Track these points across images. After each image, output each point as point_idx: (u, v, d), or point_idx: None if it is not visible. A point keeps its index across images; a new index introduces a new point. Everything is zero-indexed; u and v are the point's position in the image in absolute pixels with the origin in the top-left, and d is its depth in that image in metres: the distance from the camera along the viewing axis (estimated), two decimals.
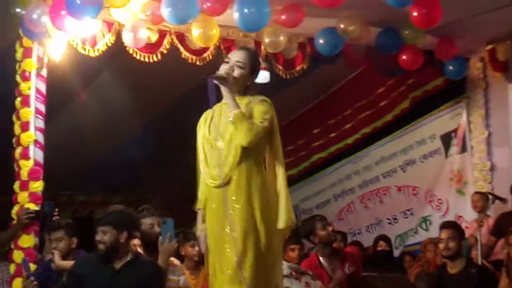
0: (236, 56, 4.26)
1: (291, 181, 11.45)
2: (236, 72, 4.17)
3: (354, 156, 10.22)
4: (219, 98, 4.30)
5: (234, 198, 4.04)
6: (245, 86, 4.26)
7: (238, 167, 4.05)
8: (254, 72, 4.31)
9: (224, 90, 4.11)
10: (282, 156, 4.26)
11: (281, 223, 4.10)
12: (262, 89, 7.40)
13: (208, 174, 4.14)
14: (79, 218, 9.64)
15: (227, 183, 4.06)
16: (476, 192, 7.70)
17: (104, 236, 4.76)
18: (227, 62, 4.22)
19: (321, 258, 6.29)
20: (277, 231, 4.13)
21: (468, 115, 8.30)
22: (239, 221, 4.00)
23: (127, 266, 4.74)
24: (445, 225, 6.20)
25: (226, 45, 6.85)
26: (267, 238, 4.02)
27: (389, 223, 9.52)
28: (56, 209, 6.04)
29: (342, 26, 6.69)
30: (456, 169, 8.41)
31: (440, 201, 8.63)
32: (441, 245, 6.03)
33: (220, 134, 4.13)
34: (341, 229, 9.22)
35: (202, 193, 4.22)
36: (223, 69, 4.15)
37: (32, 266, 5.69)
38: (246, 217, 4.01)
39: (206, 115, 4.32)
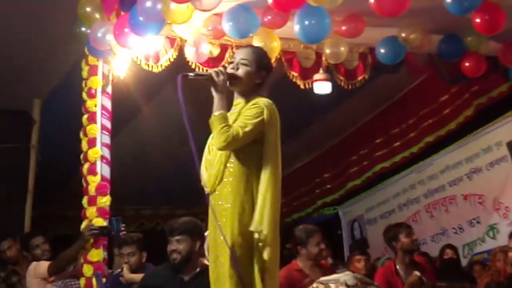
0: (240, 54, 4.12)
1: (355, 191, 11.44)
2: (241, 70, 4.02)
3: (418, 165, 10.11)
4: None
5: (220, 205, 3.86)
6: (254, 84, 4.07)
7: (224, 174, 3.89)
8: (262, 69, 4.10)
9: (212, 91, 3.94)
10: (273, 162, 3.90)
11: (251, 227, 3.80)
12: (325, 100, 7.49)
13: (202, 179, 4.06)
14: (145, 232, 9.74)
15: (214, 190, 3.91)
16: None
17: (179, 245, 4.81)
18: (232, 62, 4.09)
19: (398, 266, 6.26)
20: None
21: None
22: (227, 231, 3.79)
23: (196, 277, 4.78)
24: None
25: (287, 57, 6.88)
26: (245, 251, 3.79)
27: (455, 233, 9.38)
28: (123, 225, 6.13)
29: (403, 34, 6.65)
30: None
31: (507, 209, 8.46)
32: (511, 254, 5.94)
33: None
34: None
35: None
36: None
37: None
38: (232, 228, 3.79)
39: None
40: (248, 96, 4.05)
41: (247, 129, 3.81)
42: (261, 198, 3.80)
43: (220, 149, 3.85)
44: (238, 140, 3.80)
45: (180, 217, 5.67)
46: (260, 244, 3.76)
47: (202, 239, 5.00)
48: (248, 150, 3.89)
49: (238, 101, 4.10)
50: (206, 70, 5.60)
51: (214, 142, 3.88)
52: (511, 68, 7.53)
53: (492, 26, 6.03)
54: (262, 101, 3.95)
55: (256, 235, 3.76)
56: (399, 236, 6.27)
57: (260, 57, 4.14)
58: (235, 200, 3.83)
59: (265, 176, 3.85)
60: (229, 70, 4.01)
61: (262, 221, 3.74)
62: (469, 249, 9.03)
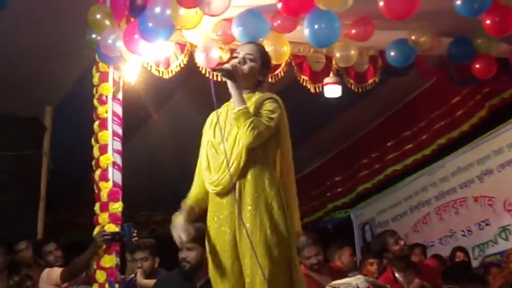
0: (246, 49, 4.03)
1: (366, 194, 11.43)
2: (247, 66, 3.92)
3: (430, 167, 10.11)
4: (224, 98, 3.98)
5: (245, 205, 3.72)
6: (257, 81, 3.99)
7: (243, 171, 3.74)
8: (265, 65, 4.06)
9: (230, 85, 3.79)
10: (291, 160, 3.91)
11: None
12: (335, 104, 7.49)
13: (209, 180, 3.89)
14: (157, 237, 9.76)
15: (232, 189, 3.72)
16: None
17: (189, 253, 4.81)
18: (236, 57, 3.97)
19: (396, 274, 6.22)
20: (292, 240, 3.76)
21: None
22: (252, 231, 3.65)
23: (208, 283, 4.78)
24: None
25: (297, 61, 6.87)
26: (281, 249, 3.66)
27: (463, 235, 9.38)
28: (135, 230, 6.14)
29: (413, 37, 6.63)
30: None
31: None
32: None
33: (225, 137, 3.85)
34: (417, 241, 9.15)
35: (193, 197, 4.09)
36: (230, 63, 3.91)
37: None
38: (257, 227, 3.66)
39: (212, 118, 4.08)
40: (250, 91, 3.95)
41: (271, 123, 3.73)
42: (293, 195, 3.84)
43: (249, 145, 3.68)
44: (265, 135, 3.72)
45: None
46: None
47: None
48: (266, 146, 3.80)
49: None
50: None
51: (242, 137, 3.70)
52: None
53: (502, 27, 6.02)
54: (274, 96, 3.90)
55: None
56: (387, 246, 6.21)
57: (264, 54, 4.10)
58: (259, 199, 3.70)
59: (287, 169, 3.86)
60: (230, 64, 3.91)
61: (298, 221, 3.81)
62: (480, 250, 9.01)
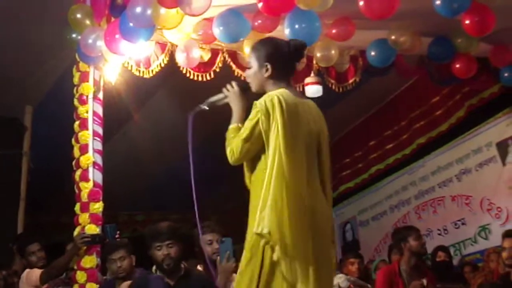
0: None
1: (348, 193, 11.46)
2: (246, 74, 3.93)
3: (410, 166, 10.15)
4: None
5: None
6: (264, 80, 3.82)
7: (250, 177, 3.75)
8: (264, 61, 3.81)
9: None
10: (274, 159, 3.55)
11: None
12: (316, 104, 7.51)
13: None
14: (139, 237, 9.75)
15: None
16: None
17: (171, 250, 4.81)
18: None
19: (402, 268, 6.26)
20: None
21: None
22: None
23: (181, 281, 4.79)
24: (508, 234, 6.14)
25: None
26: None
27: (439, 234, 9.44)
28: (118, 231, 6.12)
29: (393, 37, 6.66)
30: None
31: (499, 209, 8.49)
32: (505, 254, 5.97)
33: None
34: None
35: None
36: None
37: (93, 286, 5.80)
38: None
39: None
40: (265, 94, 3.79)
41: (243, 135, 3.64)
42: (260, 199, 3.55)
43: (231, 163, 3.71)
44: (243, 152, 3.66)
45: (175, 221, 5.66)
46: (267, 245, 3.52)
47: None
48: (257, 153, 3.70)
49: None
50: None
51: None
52: (502, 69, 7.56)
53: (481, 27, 6.05)
54: (263, 98, 3.69)
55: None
56: (408, 238, 6.29)
57: (257, 51, 3.87)
58: (253, 204, 3.67)
59: (268, 175, 3.57)
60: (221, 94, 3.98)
61: (261, 222, 3.50)
62: (456, 250, 9.06)
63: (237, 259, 5.37)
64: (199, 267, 5.37)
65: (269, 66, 3.80)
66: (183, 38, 6.24)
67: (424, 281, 6.09)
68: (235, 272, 5.40)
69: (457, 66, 7.16)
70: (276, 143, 3.56)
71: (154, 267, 5.01)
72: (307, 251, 3.51)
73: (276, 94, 3.66)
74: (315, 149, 3.77)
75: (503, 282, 6.04)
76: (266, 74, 3.81)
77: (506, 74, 7.56)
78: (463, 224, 9.09)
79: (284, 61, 3.86)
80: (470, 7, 5.72)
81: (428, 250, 8.57)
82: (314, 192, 3.65)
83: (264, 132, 3.61)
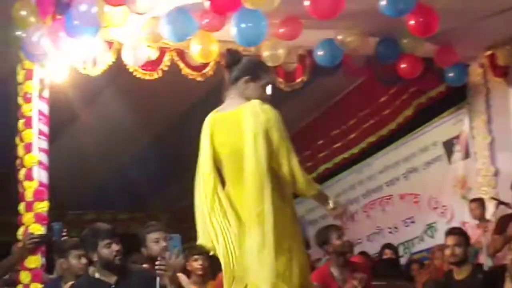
0: None
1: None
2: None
3: (358, 165, 10.21)
4: None
5: None
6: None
7: None
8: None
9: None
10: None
11: None
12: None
13: None
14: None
15: None
16: (473, 200, 7.70)
17: (119, 246, 4.81)
18: None
19: (332, 269, 6.28)
20: None
21: (470, 121, 8.27)
22: None
23: (122, 278, 4.77)
24: (451, 232, 6.21)
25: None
26: None
27: (390, 232, 9.54)
28: (65, 230, 6.05)
29: (340, 37, 6.72)
30: (460, 176, 8.39)
31: (445, 207, 8.63)
32: (448, 252, 6.05)
33: None
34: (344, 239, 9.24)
35: None
36: None
37: (37, 286, 5.74)
38: None
39: None
40: None
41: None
42: None
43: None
44: None
45: (123, 221, 5.66)
46: None
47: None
48: None
49: None
50: None
51: None
52: (447, 69, 7.67)
53: (426, 28, 6.15)
54: None
55: None
56: (330, 239, 6.29)
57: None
58: None
59: None
60: None
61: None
62: (405, 248, 9.17)
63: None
64: (145, 266, 5.35)
65: (246, 79, 3.86)
66: (130, 37, 6.21)
67: (356, 282, 6.12)
68: (184, 268, 5.43)
69: (403, 66, 7.26)
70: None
71: (91, 269, 4.95)
72: None
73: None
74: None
75: (447, 279, 6.12)
76: (247, 90, 3.86)
77: (450, 74, 7.70)
78: (412, 222, 9.20)
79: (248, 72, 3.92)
80: (415, 8, 5.81)
81: (378, 248, 8.72)
82: None
83: None
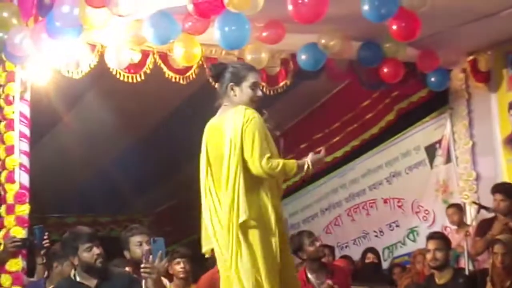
0: None
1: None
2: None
3: (340, 169, 10.19)
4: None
5: None
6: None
7: None
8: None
9: None
10: None
11: None
12: None
13: None
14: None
15: None
16: (450, 205, 7.75)
17: (100, 249, 4.81)
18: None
19: (309, 274, 6.29)
20: None
21: (452, 125, 8.31)
22: None
23: (103, 281, 4.76)
24: (432, 236, 6.25)
25: (209, 63, 6.87)
26: None
27: (376, 236, 9.54)
28: (47, 233, 6.02)
29: (323, 41, 6.73)
30: (442, 180, 8.43)
31: (427, 212, 8.66)
32: (429, 256, 6.08)
33: None
34: (329, 243, 9.23)
35: None
36: None
37: None
38: None
39: None
40: None
41: None
42: None
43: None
44: None
45: (105, 224, 5.63)
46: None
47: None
48: None
49: None
50: None
51: None
52: (429, 74, 7.71)
53: (408, 33, 6.15)
54: None
55: None
56: (303, 246, 6.31)
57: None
58: None
59: None
60: None
61: None
62: (390, 252, 9.19)
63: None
64: (127, 269, 5.33)
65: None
66: (113, 39, 6.19)
67: (330, 282, 6.13)
68: (166, 272, 5.42)
69: (385, 70, 7.29)
70: None
71: (73, 272, 4.93)
72: None
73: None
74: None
75: (428, 283, 6.15)
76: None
77: (432, 79, 7.74)
78: (397, 226, 9.22)
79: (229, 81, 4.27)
80: (397, 13, 5.81)
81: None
82: None
83: None
